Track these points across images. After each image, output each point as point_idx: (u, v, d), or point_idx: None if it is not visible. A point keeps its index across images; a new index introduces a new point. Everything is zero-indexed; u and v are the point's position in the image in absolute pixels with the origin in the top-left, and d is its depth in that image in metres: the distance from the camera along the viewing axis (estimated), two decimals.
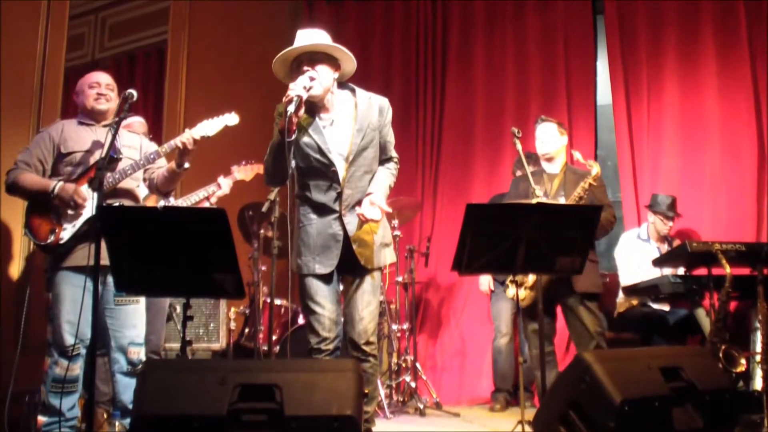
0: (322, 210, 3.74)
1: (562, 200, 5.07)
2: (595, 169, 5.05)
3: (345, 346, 3.80)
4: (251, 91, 7.28)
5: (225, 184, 5.33)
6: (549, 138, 5.24)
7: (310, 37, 3.79)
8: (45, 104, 5.41)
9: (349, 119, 3.81)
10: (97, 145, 4.22)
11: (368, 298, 3.76)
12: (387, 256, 3.84)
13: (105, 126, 4.31)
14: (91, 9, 8.00)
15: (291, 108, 3.53)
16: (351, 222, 3.72)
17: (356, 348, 3.74)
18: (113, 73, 4.59)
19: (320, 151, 3.72)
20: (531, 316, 5.08)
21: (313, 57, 3.76)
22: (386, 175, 3.87)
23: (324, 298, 3.74)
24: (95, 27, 8.17)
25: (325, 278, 3.75)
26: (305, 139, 3.75)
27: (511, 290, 5.09)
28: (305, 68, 3.72)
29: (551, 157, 5.23)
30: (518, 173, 6.23)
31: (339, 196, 3.72)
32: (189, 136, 4.15)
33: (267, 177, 3.87)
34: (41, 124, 5.31)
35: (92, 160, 4.18)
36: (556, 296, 5.03)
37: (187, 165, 4.21)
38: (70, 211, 4.12)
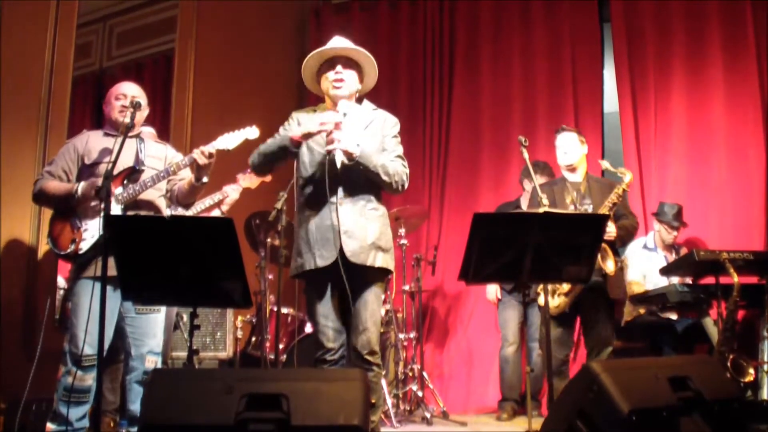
0: (319, 202, 3.78)
1: (588, 208, 5.06)
2: (628, 176, 5.05)
3: (349, 355, 3.80)
4: (258, 98, 7.31)
5: (233, 190, 5.34)
6: (571, 148, 5.22)
7: (348, 44, 3.98)
8: (53, 112, 5.42)
9: (356, 117, 3.93)
10: (121, 156, 4.24)
11: (372, 308, 3.77)
12: (378, 259, 3.80)
13: (131, 137, 4.32)
14: (98, 17, 8.00)
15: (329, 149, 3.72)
16: (345, 212, 3.74)
17: (360, 358, 3.74)
18: (121, 82, 4.60)
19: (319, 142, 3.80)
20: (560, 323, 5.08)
21: (349, 62, 3.94)
22: (386, 159, 3.90)
23: (328, 308, 3.76)
24: (103, 35, 8.17)
25: (325, 289, 3.78)
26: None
27: (543, 298, 5.03)
28: (338, 68, 3.89)
29: (574, 168, 5.21)
30: (525, 182, 6.22)
31: (335, 185, 3.75)
32: (204, 150, 4.15)
33: (254, 165, 3.97)
34: (49, 133, 5.32)
35: (116, 171, 4.19)
36: (585, 304, 5.01)
37: (205, 179, 4.23)
38: (89, 226, 4.15)
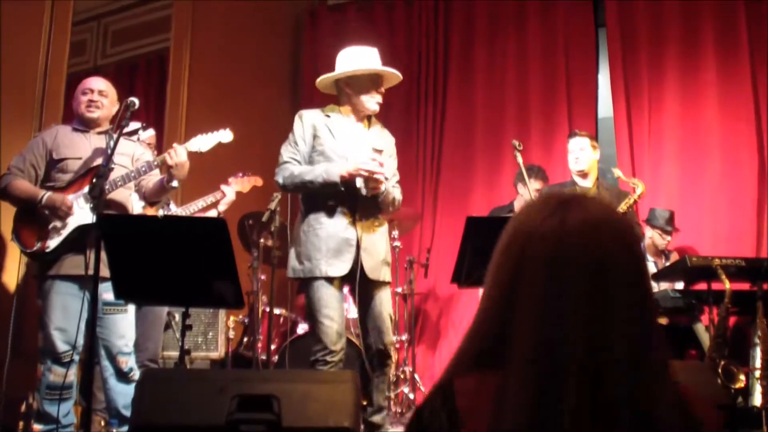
0: (335, 215, 3.90)
1: None
2: (641, 187, 5.06)
3: (353, 356, 3.94)
4: (252, 99, 7.29)
5: (229, 191, 5.32)
6: (584, 154, 5.21)
7: (378, 59, 4.21)
8: (47, 110, 5.41)
9: (376, 135, 4.14)
10: (89, 152, 4.20)
11: (388, 311, 3.99)
12: (385, 274, 4.01)
13: (99, 133, 4.29)
14: (93, 15, 8.00)
15: (360, 184, 3.86)
16: (362, 229, 3.90)
17: (387, 357, 3.99)
18: (114, 80, 4.57)
19: (345, 158, 3.93)
20: None
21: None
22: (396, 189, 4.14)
23: (334, 310, 3.83)
24: (97, 33, 8.17)
25: (336, 289, 3.87)
26: (331, 144, 3.97)
27: None
28: (382, 89, 4.15)
29: (586, 173, 5.20)
30: (519, 186, 6.23)
31: (355, 203, 3.90)
32: (174, 151, 4.11)
33: (287, 189, 4.07)
34: (43, 131, 5.30)
35: (83, 167, 4.16)
36: None
37: (175, 183, 4.18)
38: (57, 223, 4.11)
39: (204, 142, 4.26)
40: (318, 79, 4.18)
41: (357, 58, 4.10)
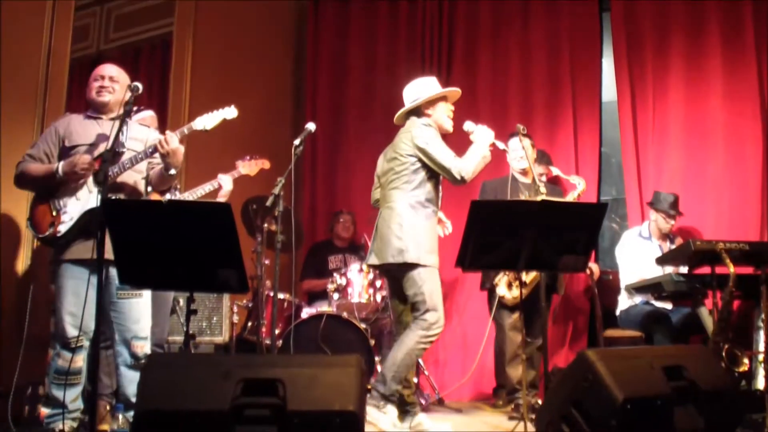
0: (435, 207, 4.87)
1: None
2: (582, 184, 5.16)
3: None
4: (255, 85, 7.28)
5: (226, 181, 5.31)
6: (526, 152, 5.30)
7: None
8: (50, 96, 5.40)
9: None
10: (100, 138, 4.22)
11: None
12: None
13: (111, 119, 4.31)
14: (96, 0, 7.99)
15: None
16: None
17: None
18: (118, 65, 4.57)
19: None
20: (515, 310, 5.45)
21: None
22: None
23: None
24: (101, 18, 8.15)
25: None
26: None
27: (502, 290, 5.28)
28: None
29: (527, 171, 5.28)
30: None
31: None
32: (164, 138, 4.10)
33: (470, 177, 4.62)
34: (46, 116, 5.30)
35: (95, 153, 4.18)
36: (535, 295, 5.15)
37: (172, 171, 4.18)
38: (70, 201, 4.14)
39: (209, 120, 4.27)
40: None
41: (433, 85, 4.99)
